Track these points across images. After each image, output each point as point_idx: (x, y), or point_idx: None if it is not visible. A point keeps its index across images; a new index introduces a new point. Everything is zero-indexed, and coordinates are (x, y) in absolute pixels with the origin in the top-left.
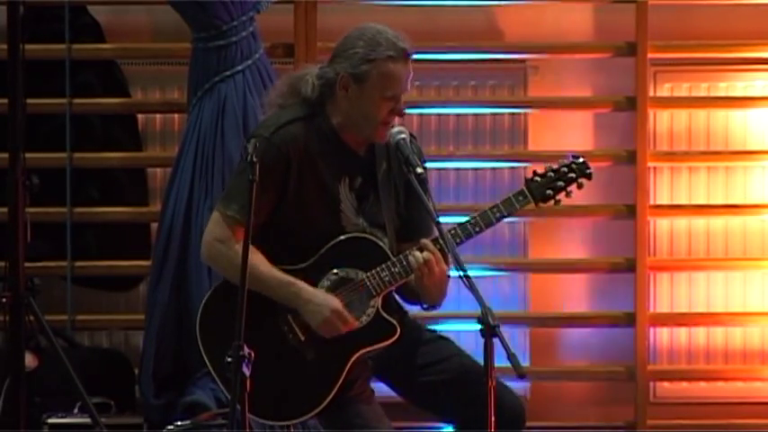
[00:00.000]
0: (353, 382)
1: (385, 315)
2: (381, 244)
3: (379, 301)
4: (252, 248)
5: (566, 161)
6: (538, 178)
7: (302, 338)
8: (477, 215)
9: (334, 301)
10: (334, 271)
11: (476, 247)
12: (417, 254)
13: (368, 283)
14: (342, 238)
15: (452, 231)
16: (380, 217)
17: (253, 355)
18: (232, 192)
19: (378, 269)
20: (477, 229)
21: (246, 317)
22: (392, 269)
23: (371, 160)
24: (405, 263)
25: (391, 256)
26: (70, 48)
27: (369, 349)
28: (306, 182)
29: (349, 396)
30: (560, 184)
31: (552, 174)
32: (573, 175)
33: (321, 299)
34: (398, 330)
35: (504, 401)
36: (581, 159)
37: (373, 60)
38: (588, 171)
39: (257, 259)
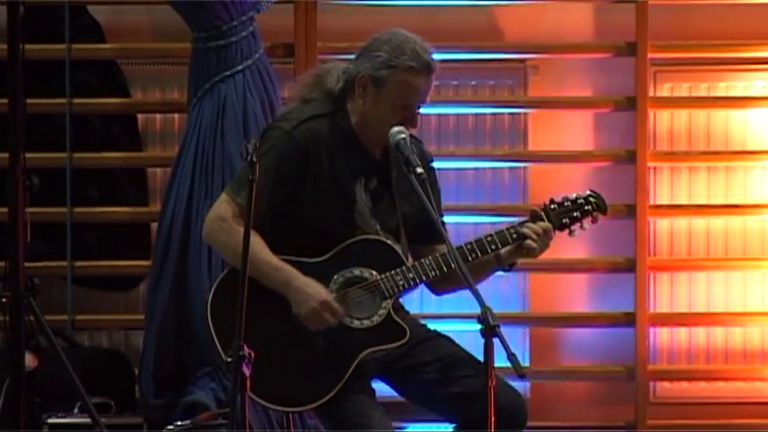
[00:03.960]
0: (355, 379)
1: (396, 318)
2: (397, 248)
3: (390, 304)
4: (252, 231)
5: (583, 194)
6: (555, 206)
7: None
8: (493, 234)
9: (324, 293)
10: (342, 272)
11: None
12: (532, 225)
13: (382, 285)
14: (359, 238)
15: (468, 246)
16: (392, 222)
17: (253, 354)
18: (244, 179)
19: (393, 272)
20: (494, 246)
21: (259, 301)
22: (407, 275)
23: (387, 165)
24: (514, 234)
25: (406, 261)
26: (70, 48)
27: (377, 349)
28: (323, 179)
29: (349, 394)
30: (576, 215)
31: (569, 204)
32: (589, 207)
33: (311, 289)
34: (408, 334)
35: (503, 399)
36: (597, 193)
37: (394, 67)
38: (605, 206)
39: (254, 241)
